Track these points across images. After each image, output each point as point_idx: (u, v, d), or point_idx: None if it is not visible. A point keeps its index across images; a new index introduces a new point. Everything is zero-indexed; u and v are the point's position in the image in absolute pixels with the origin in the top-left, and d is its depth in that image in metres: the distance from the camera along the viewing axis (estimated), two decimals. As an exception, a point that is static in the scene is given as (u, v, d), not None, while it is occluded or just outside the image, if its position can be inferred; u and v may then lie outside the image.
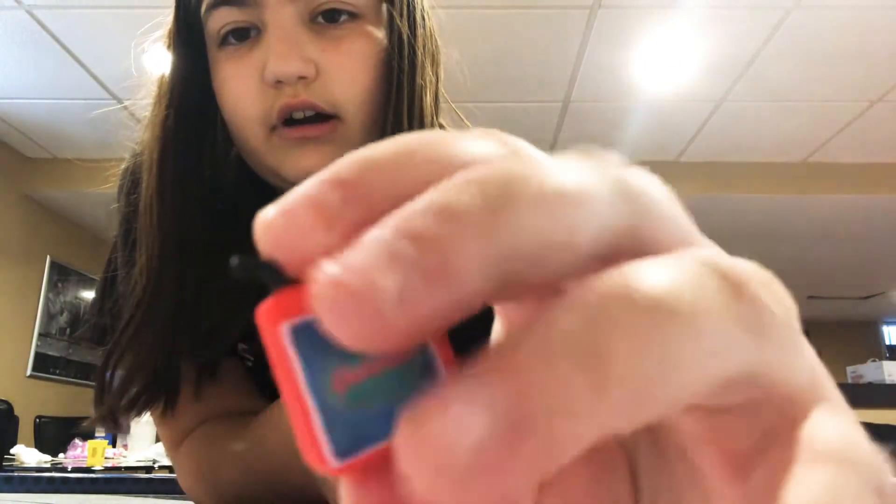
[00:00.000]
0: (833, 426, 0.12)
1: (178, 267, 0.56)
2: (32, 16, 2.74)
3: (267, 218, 0.12)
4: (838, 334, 7.10)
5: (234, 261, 0.12)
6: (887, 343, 7.77)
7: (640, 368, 0.10)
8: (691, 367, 0.10)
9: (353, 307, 0.10)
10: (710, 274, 0.11)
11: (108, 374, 0.57)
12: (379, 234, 0.10)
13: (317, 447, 0.11)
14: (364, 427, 0.11)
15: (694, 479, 0.14)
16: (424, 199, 0.11)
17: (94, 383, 0.58)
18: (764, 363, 0.11)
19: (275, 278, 0.12)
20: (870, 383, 4.62)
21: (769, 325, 0.11)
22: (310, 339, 0.11)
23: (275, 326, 0.12)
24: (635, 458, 0.15)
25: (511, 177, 0.11)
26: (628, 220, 0.12)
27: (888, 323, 7.84)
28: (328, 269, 0.10)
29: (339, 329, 0.10)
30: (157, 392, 0.57)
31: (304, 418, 0.11)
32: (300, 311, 0.12)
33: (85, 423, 0.60)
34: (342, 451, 0.11)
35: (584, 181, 0.11)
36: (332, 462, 0.11)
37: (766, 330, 0.11)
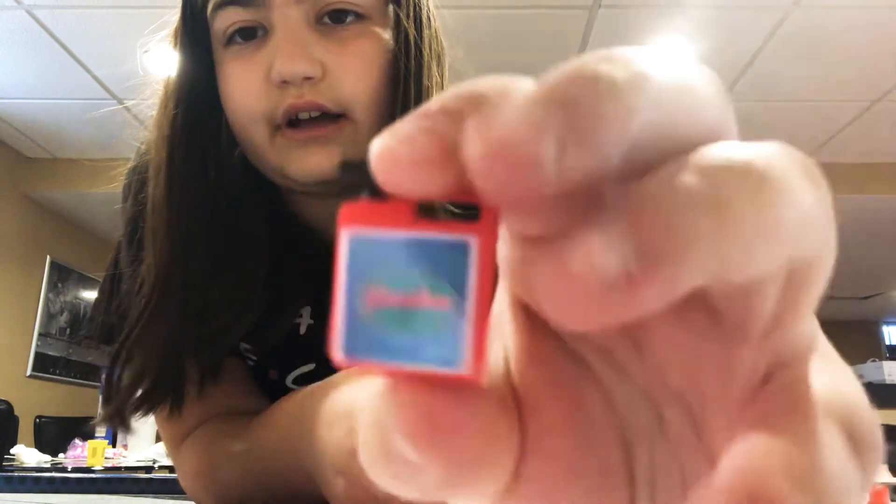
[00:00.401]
0: (822, 378, 0.13)
1: (186, 266, 0.56)
2: (32, 16, 2.74)
3: (388, 146, 0.12)
4: (838, 334, 7.05)
5: (342, 163, 0.13)
6: (887, 343, 7.76)
7: (751, 222, 0.11)
8: (788, 229, 0.12)
9: (514, 176, 0.11)
10: (791, 156, 0.12)
11: (115, 374, 0.57)
12: (526, 104, 0.11)
13: (332, 338, 0.13)
14: (377, 343, 0.13)
15: (695, 447, 0.14)
16: (566, 68, 0.12)
17: (95, 383, 0.59)
18: (823, 248, 0.13)
19: (371, 187, 0.13)
20: (870, 383, 4.63)
21: (829, 208, 0.13)
22: (367, 250, 0.13)
23: (341, 228, 0.13)
24: (631, 434, 0.15)
25: (632, 57, 0.12)
26: (722, 118, 0.13)
27: (888, 323, 7.83)
28: (485, 141, 0.11)
29: (502, 194, 0.11)
30: (163, 393, 0.57)
31: (333, 312, 0.13)
32: (374, 222, 0.13)
33: (94, 422, 0.60)
34: (350, 351, 0.13)
35: (699, 76, 0.13)
36: (338, 355, 0.13)
37: (829, 212, 0.13)
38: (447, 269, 0.12)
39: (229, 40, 0.55)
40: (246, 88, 0.54)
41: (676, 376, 0.14)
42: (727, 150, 0.12)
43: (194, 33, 0.57)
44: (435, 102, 0.12)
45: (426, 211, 0.13)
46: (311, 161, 0.54)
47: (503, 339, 0.16)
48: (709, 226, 0.11)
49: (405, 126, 0.12)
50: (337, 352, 0.13)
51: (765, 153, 0.12)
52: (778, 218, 0.11)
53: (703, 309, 0.13)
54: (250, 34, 0.55)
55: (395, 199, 0.13)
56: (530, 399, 0.15)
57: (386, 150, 0.12)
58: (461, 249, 0.12)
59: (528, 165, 0.11)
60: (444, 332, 0.12)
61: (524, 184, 0.11)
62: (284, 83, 0.53)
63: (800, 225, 0.12)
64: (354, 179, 0.13)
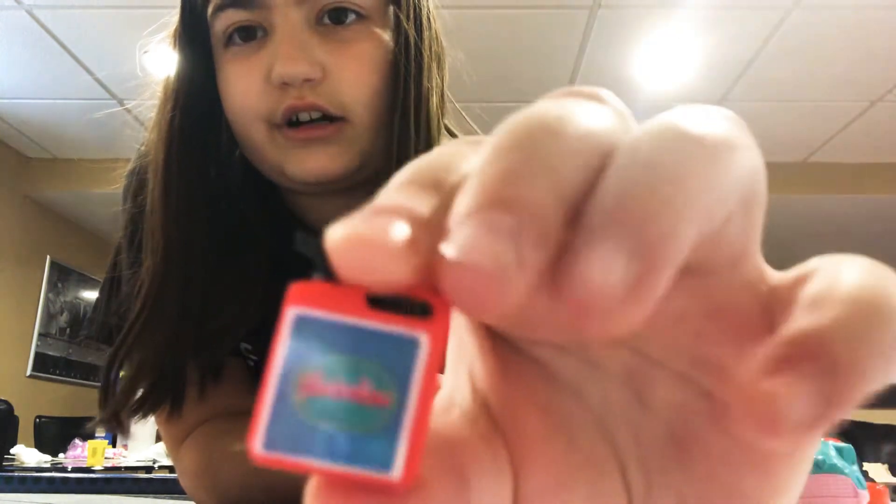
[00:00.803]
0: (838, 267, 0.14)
1: (184, 268, 0.56)
2: (32, 16, 2.74)
3: (347, 235, 0.12)
4: (838, 334, 7.07)
5: (301, 237, 0.13)
6: (887, 343, 7.76)
7: (709, 176, 0.12)
8: (739, 173, 0.13)
9: (486, 286, 0.11)
10: (724, 117, 0.14)
11: (112, 376, 0.57)
12: (474, 216, 0.11)
13: (254, 428, 0.12)
14: (304, 437, 0.12)
15: (694, 410, 0.15)
16: (485, 169, 0.12)
17: (95, 383, 0.59)
18: (760, 183, 0.14)
19: (324, 268, 0.12)
20: (870, 383, 4.62)
21: (758, 156, 0.14)
22: (309, 334, 0.12)
23: (287, 307, 0.12)
24: (611, 421, 0.15)
25: (537, 121, 0.13)
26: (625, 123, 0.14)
27: (888, 323, 7.82)
28: (454, 255, 0.11)
29: (474, 308, 0.11)
30: (163, 394, 0.57)
31: (261, 399, 0.12)
32: (323, 305, 0.12)
33: (89, 425, 0.60)
34: (271, 444, 0.12)
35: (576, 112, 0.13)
36: (256, 448, 0.12)
37: (751, 138, 0.14)
38: (393, 364, 0.12)
39: (229, 41, 0.55)
40: (246, 89, 0.54)
41: (657, 343, 0.15)
42: (656, 129, 0.13)
43: (194, 34, 0.57)
44: (390, 197, 0.13)
45: (378, 301, 0.12)
46: (310, 162, 0.54)
47: (468, 365, 0.16)
48: (681, 191, 0.12)
49: (364, 218, 0.12)
50: (256, 444, 0.12)
51: (682, 117, 0.13)
52: (728, 160, 0.12)
53: None
54: (250, 35, 0.55)
55: (348, 285, 0.12)
56: (509, 415, 0.15)
57: (343, 238, 0.12)
58: (411, 346, 0.12)
59: (493, 285, 0.11)
60: (379, 432, 0.12)
61: (496, 301, 0.11)
62: (284, 85, 0.53)
63: (744, 159, 0.13)
64: (310, 254, 0.12)
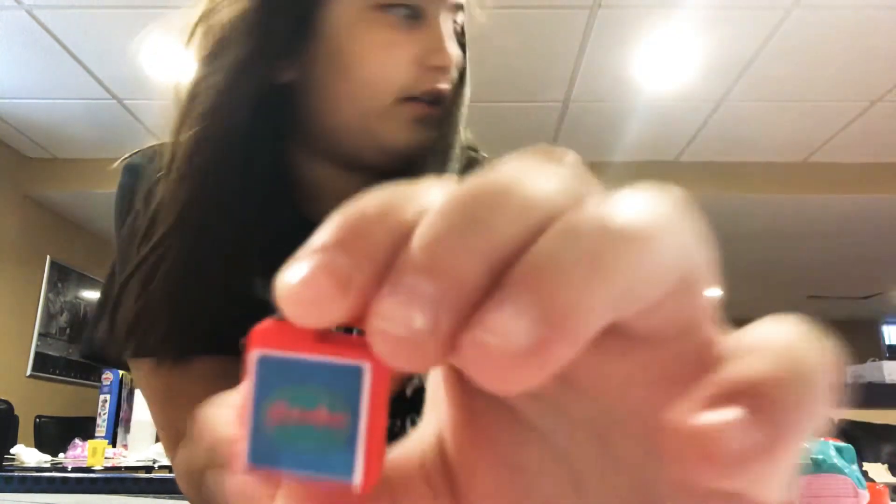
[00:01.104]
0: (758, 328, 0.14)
1: (200, 252, 0.57)
2: (32, 16, 2.74)
3: (288, 286, 0.13)
4: (838, 334, 7.07)
5: (259, 283, 0.15)
6: (887, 343, 7.76)
7: (631, 256, 0.12)
8: (665, 259, 0.13)
9: (403, 350, 0.13)
10: (658, 205, 0.14)
11: (116, 300, 0.58)
12: (400, 280, 0.13)
13: (238, 448, 0.14)
14: (280, 455, 0.14)
15: (658, 465, 0.14)
16: (423, 230, 0.13)
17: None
18: (698, 265, 0.14)
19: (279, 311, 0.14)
20: (870, 383, 4.62)
21: (699, 237, 0.14)
22: (272, 369, 0.14)
23: (251, 350, 0.14)
24: (582, 470, 0.16)
25: (474, 195, 0.13)
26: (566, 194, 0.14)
27: (888, 323, 7.83)
28: (378, 325, 0.13)
29: (397, 363, 0.13)
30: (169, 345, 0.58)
31: (240, 424, 0.14)
32: (279, 344, 0.14)
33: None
34: (254, 461, 0.14)
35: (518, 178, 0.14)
36: (242, 464, 0.14)
37: (697, 237, 0.14)
38: (343, 389, 0.14)
39: (387, 8, 0.59)
40: (396, 58, 0.59)
41: (616, 403, 0.15)
42: (587, 215, 0.13)
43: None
44: (329, 235, 0.13)
45: (328, 332, 0.14)
46: (412, 137, 0.60)
47: (437, 413, 0.17)
48: (593, 274, 0.12)
49: (305, 264, 0.13)
50: (241, 461, 0.14)
51: (615, 205, 0.13)
52: (651, 248, 0.13)
53: (614, 335, 0.14)
54: (405, 12, 0.60)
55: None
56: (466, 468, 0.16)
57: (288, 289, 0.13)
58: (356, 373, 0.14)
59: (408, 349, 0.12)
60: (339, 447, 0.14)
61: (417, 360, 0.13)
62: (437, 69, 0.60)
63: (672, 246, 0.13)
64: (267, 298, 0.14)
